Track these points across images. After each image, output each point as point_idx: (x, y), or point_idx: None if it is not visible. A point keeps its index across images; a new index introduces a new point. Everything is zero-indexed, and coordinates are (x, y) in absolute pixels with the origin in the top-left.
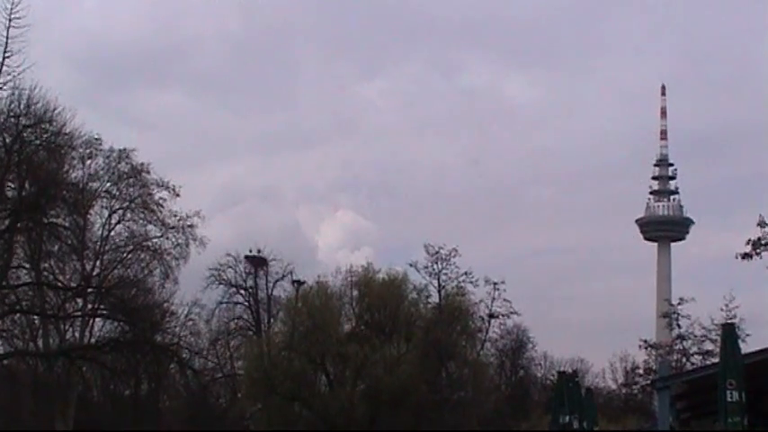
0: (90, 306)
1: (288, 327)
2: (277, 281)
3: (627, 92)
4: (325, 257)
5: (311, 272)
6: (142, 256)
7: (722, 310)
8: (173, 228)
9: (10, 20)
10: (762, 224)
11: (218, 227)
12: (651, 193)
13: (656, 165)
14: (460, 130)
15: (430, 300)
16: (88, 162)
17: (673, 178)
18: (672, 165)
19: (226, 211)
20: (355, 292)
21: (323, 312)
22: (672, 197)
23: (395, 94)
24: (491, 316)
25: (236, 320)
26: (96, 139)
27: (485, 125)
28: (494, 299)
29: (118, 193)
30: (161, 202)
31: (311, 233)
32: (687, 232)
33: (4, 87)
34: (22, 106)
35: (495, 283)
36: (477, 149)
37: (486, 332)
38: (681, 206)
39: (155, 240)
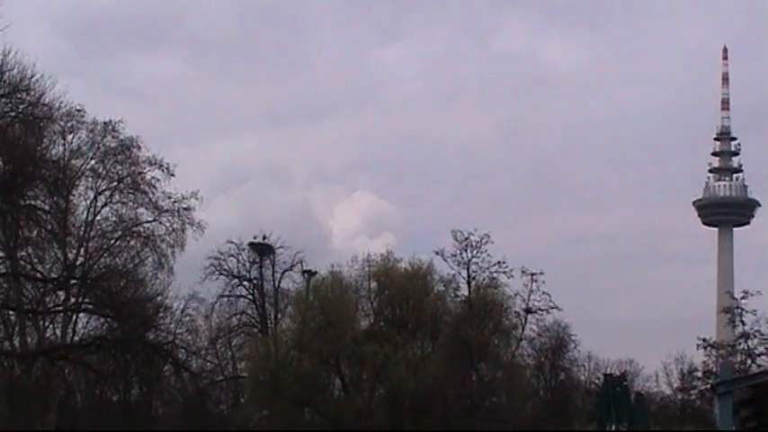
0: (73, 300)
1: (297, 323)
2: (285, 271)
3: (683, 56)
4: (341, 245)
5: (324, 261)
6: (132, 243)
7: None
8: (167, 211)
9: None
10: None
11: (219, 210)
12: (711, 170)
13: (716, 139)
14: (493, 100)
15: (458, 293)
16: (70, 137)
17: (736, 154)
18: (734, 139)
19: (227, 193)
20: (374, 285)
21: (337, 307)
22: (734, 176)
23: (419, 59)
24: (528, 311)
25: (238, 316)
26: (79, 110)
27: (521, 95)
28: (531, 292)
29: (104, 172)
30: (153, 181)
31: (324, 217)
32: (752, 216)
33: None
34: None
35: (532, 274)
36: (513, 122)
37: (523, 330)
38: (745, 186)
39: (146, 225)
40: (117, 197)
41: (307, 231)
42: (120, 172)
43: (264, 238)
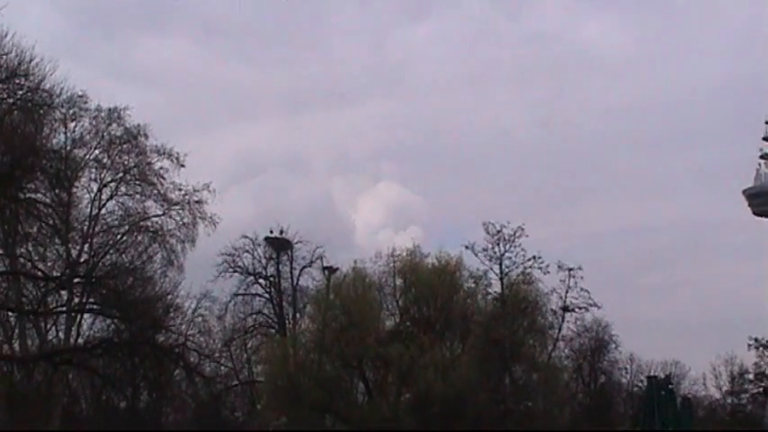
0: (77, 300)
1: (317, 323)
2: (304, 268)
3: (732, 34)
4: (364, 239)
5: (346, 257)
6: (140, 238)
7: None
8: (177, 204)
9: None
10: None
11: (233, 203)
12: (762, 157)
13: None
14: (528, 82)
15: (490, 290)
16: (72, 125)
17: None
18: None
19: (242, 184)
20: (399, 282)
21: (360, 306)
22: None
23: (448, 39)
24: (565, 309)
25: (254, 316)
26: (81, 96)
27: (557, 77)
28: (568, 288)
29: (109, 163)
30: (162, 172)
31: (346, 210)
32: None
33: None
34: None
35: (569, 270)
36: (548, 106)
37: (560, 329)
38: None
39: (155, 219)
40: (123, 189)
41: (327, 225)
42: (126, 162)
43: (282, 232)
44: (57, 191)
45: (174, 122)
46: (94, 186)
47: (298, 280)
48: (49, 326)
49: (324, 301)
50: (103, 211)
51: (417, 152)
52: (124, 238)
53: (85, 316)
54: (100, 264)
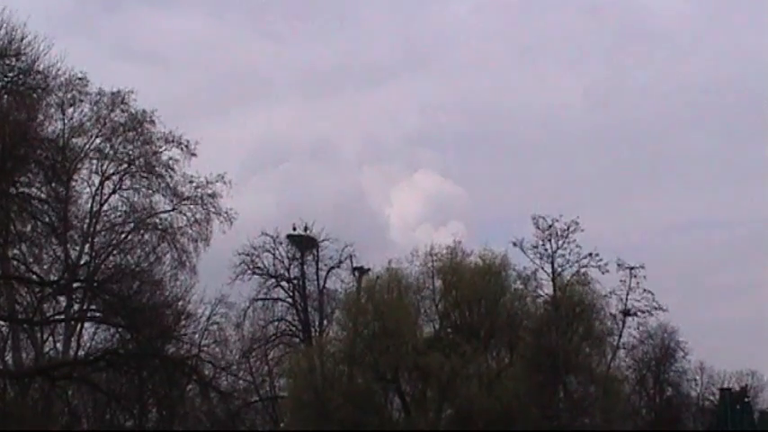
0: (77, 307)
1: (347, 331)
2: (332, 269)
3: None
4: (399, 236)
5: (379, 256)
6: (147, 237)
7: None
8: (188, 198)
9: None
10: None
11: (251, 196)
12: None
13: None
14: (581, 60)
15: (541, 292)
16: (70, 110)
17: None
18: None
19: (261, 175)
20: (439, 283)
21: (395, 311)
22: None
23: (492, 10)
24: (626, 313)
25: (276, 323)
26: (81, 78)
27: (615, 53)
28: (629, 289)
29: (112, 152)
30: (171, 163)
31: (379, 203)
32: None
33: None
34: None
35: (630, 268)
36: (605, 86)
37: (620, 336)
38: None
39: (163, 216)
40: (127, 182)
41: (358, 220)
42: (130, 152)
43: (306, 229)
44: (53, 185)
45: (185, 107)
46: (96, 179)
47: (325, 282)
48: (45, 336)
49: (354, 306)
50: (106, 206)
51: (459, 138)
52: (129, 236)
53: (86, 325)
54: (102, 266)
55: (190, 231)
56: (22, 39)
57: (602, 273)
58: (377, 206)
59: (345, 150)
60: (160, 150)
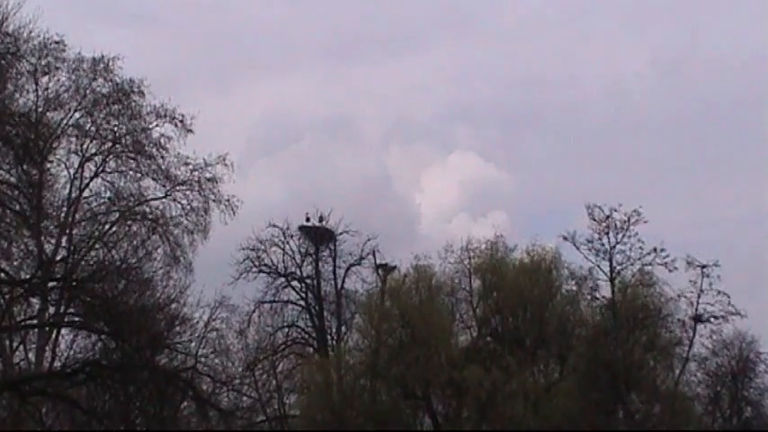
0: (52, 310)
1: (370, 339)
2: (352, 266)
3: None
4: (431, 228)
5: (407, 251)
6: (135, 228)
7: None
8: (183, 183)
9: None
10: None
11: (258, 181)
12: None
13: None
14: (647, 23)
15: (597, 294)
16: (45, 80)
17: None
18: None
19: (270, 156)
20: (478, 284)
21: (426, 316)
22: None
23: None
24: (697, 319)
25: (286, 330)
26: (57, 42)
27: (686, 15)
28: (701, 292)
29: (94, 129)
30: (163, 141)
31: (408, 190)
32: None
33: None
34: None
35: (702, 267)
36: (674, 53)
37: (690, 345)
38: None
39: (154, 204)
40: (112, 164)
41: (383, 210)
42: (115, 128)
43: (321, 219)
44: (24, 167)
45: (180, 76)
46: (75, 160)
47: (343, 282)
48: (15, 344)
49: (378, 310)
50: (86, 192)
51: (501, 113)
52: (114, 228)
53: (64, 331)
54: (82, 262)
55: (185, 222)
56: None
57: (669, 272)
58: (405, 193)
59: (369, 128)
60: (150, 127)
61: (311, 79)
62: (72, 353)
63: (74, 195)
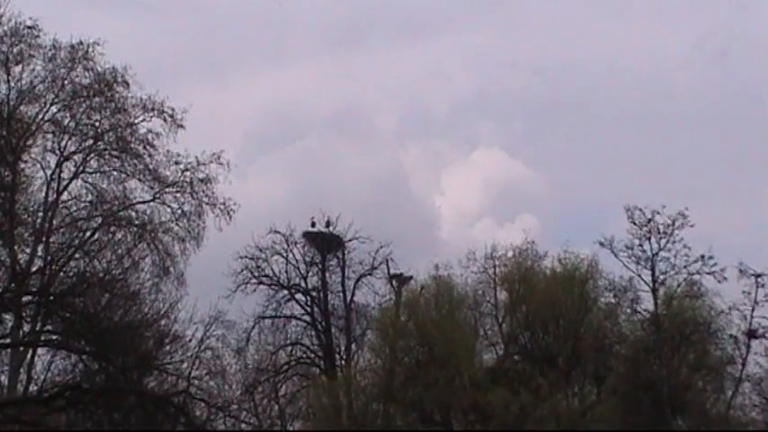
0: (27, 327)
1: (383, 359)
2: (363, 277)
3: None
4: (452, 234)
5: (426, 260)
6: (120, 235)
7: None
8: (173, 185)
9: None
10: None
11: (257, 182)
12: None
13: None
14: (694, 4)
15: (638, 307)
16: (17, 69)
17: None
18: None
19: (271, 154)
20: (504, 296)
21: (446, 332)
22: None
23: None
24: (751, 335)
25: (289, 348)
26: (31, 27)
27: None
28: (755, 304)
29: (73, 125)
30: (151, 138)
31: (426, 191)
32: None
33: None
34: None
35: (756, 276)
36: (724, 37)
37: (744, 364)
38: None
39: (141, 208)
40: (93, 163)
41: (397, 213)
42: (97, 123)
43: (329, 225)
44: None
45: (170, 66)
46: (52, 160)
47: (353, 295)
48: None
49: (392, 326)
50: (65, 196)
51: (530, 105)
52: (96, 235)
53: (40, 351)
54: (61, 274)
55: (176, 228)
56: None
57: (719, 282)
58: (423, 195)
59: (381, 122)
60: (136, 121)
61: (317, 68)
62: (50, 375)
63: (51, 199)
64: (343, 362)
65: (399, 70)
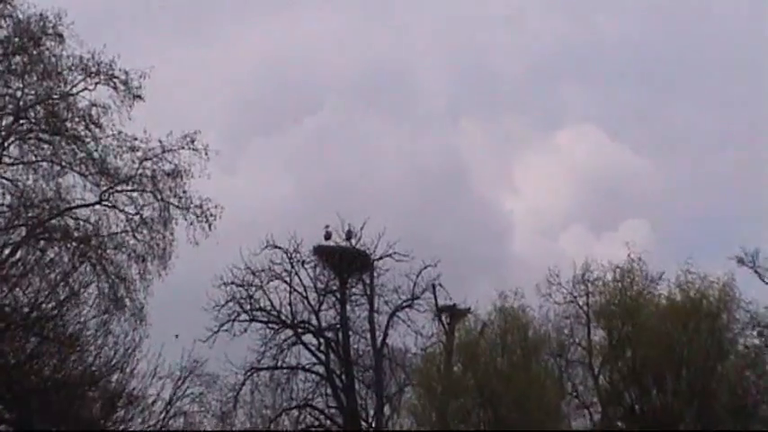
0: None
1: (430, 425)
2: (399, 310)
3: None
4: (527, 248)
5: (488, 284)
6: (53, 253)
7: None
8: (128, 180)
9: None
10: None
11: (250, 175)
12: None
13: None
14: None
15: None
16: None
17: None
18: None
19: (270, 137)
20: (601, 335)
21: (518, 388)
22: None
23: None
24: None
25: (296, 412)
26: None
27: None
28: None
29: None
30: (97, 114)
31: (491, 188)
32: None
33: None
34: None
35: None
36: None
37: None
38: None
39: (83, 213)
40: (14, 151)
41: (450, 219)
42: (19, 94)
43: (350, 236)
44: None
45: (128, 11)
46: None
47: (385, 335)
48: None
49: (442, 380)
50: None
51: (638, 66)
52: (18, 254)
53: None
54: None
55: (132, 242)
56: None
57: None
58: (487, 194)
59: (427, 90)
60: (74, 90)
61: (335, 15)
62: None
63: None
64: (371, 430)
65: (450, 18)
